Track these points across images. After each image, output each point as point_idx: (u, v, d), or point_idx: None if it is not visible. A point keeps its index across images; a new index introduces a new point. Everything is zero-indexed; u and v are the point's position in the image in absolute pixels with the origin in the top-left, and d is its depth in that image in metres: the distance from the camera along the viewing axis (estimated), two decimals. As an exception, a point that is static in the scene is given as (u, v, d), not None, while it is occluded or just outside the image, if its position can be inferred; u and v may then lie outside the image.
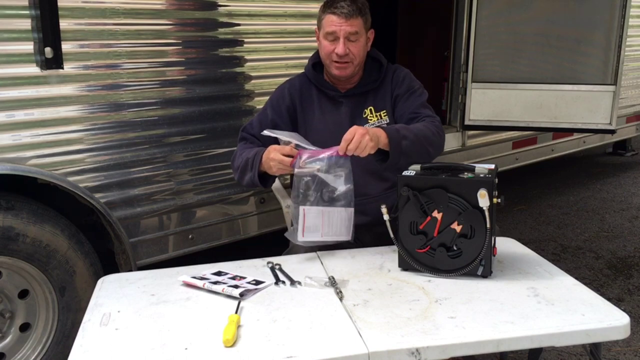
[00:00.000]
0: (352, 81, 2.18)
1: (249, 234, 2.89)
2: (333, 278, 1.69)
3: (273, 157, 1.91)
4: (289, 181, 2.48)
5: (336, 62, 2.08)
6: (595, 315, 1.48)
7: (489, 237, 1.65)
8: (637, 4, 4.61)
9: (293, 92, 2.20)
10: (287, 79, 2.28)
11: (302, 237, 1.83)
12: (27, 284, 2.23)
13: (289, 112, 2.19)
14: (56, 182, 2.21)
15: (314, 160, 1.84)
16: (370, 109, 2.17)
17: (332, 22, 2.04)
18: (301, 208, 1.83)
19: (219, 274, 1.76)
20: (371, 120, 2.17)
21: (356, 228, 2.16)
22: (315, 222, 1.85)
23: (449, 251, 1.70)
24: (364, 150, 1.82)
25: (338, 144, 1.96)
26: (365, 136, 1.82)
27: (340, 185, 1.87)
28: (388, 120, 2.18)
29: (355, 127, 1.86)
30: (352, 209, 1.90)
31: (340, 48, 2.04)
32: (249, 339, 1.39)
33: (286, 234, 1.95)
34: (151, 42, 2.42)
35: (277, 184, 2.52)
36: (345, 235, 1.92)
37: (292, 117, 2.20)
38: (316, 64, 2.21)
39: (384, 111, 2.18)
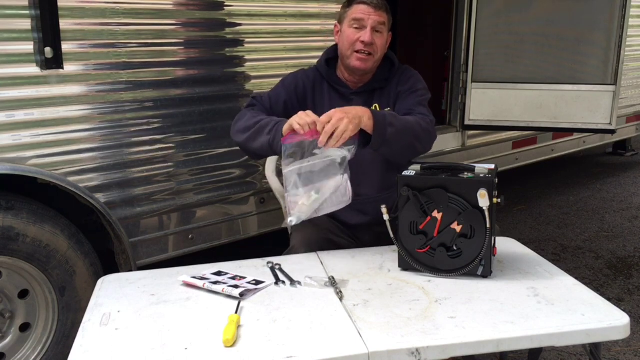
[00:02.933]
0: (364, 79, 2.17)
1: (249, 234, 2.89)
2: (333, 278, 1.69)
3: (307, 116, 1.83)
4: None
5: (358, 52, 2.06)
6: (595, 315, 1.48)
7: (489, 237, 1.65)
8: (637, 4, 4.62)
9: (306, 84, 2.19)
10: (299, 68, 2.27)
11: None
12: (27, 284, 2.23)
13: (299, 100, 2.17)
14: (56, 182, 2.21)
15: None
16: (376, 106, 2.17)
17: (361, 10, 2.05)
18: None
19: (219, 274, 1.76)
20: None
21: (356, 228, 2.17)
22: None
23: (449, 251, 1.70)
24: (342, 135, 1.74)
25: None
26: (342, 120, 1.74)
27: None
28: None
29: (333, 110, 1.78)
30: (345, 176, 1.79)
31: (367, 35, 2.04)
32: (249, 339, 1.39)
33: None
34: (151, 42, 2.42)
35: (276, 184, 2.52)
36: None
37: (302, 106, 2.16)
38: (329, 60, 2.20)
39: (388, 109, 2.17)
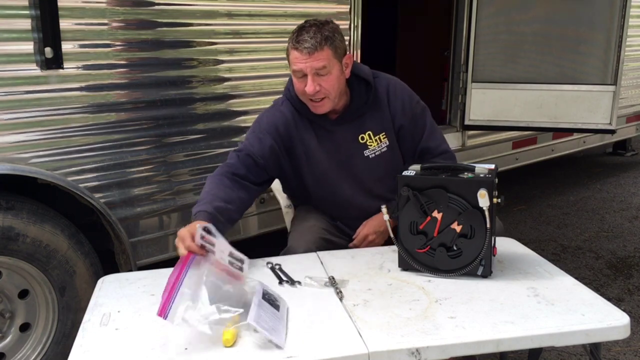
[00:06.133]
0: (338, 108, 2.03)
1: (249, 234, 2.89)
2: (333, 278, 1.69)
3: (181, 236, 1.62)
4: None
5: (311, 100, 1.94)
6: (595, 315, 1.48)
7: (489, 237, 1.65)
8: (637, 4, 4.62)
9: (288, 124, 2.03)
10: (271, 107, 2.11)
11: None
12: (27, 284, 2.23)
13: (284, 142, 2.04)
14: (56, 182, 2.21)
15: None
16: (369, 134, 2.06)
17: (297, 58, 1.88)
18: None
19: None
20: (371, 145, 2.06)
21: None
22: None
23: (449, 251, 1.70)
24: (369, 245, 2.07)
25: (339, 172, 2.02)
26: (374, 242, 2.07)
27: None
28: (388, 143, 2.08)
29: (366, 230, 2.07)
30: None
31: (309, 87, 1.88)
32: (249, 339, 1.39)
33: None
34: (151, 42, 2.42)
35: (277, 184, 2.52)
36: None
37: (288, 148, 2.05)
38: None
39: (383, 133, 2.07)
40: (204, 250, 1.57)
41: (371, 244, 2.07)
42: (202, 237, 1.57)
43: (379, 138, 2.08)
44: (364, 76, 2.05)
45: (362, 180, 2.10)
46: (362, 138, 2.06)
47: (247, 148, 2.01)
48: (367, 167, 2.08)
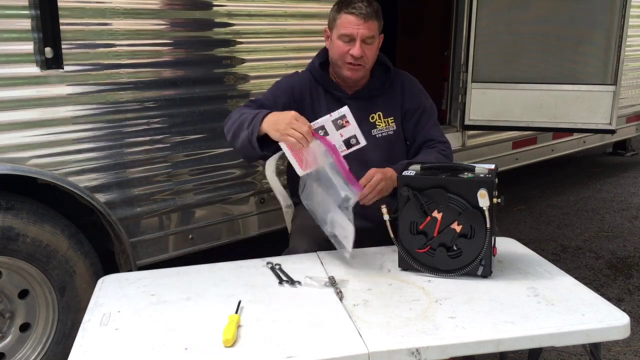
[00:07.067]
0: (359, 84, 2.16)
1: (249, 234, 2.89)
2: (333, 278, 1.69)
3: (296, 121, 1.82)
4: (286, 181, 2.47)
5: (350, 63, 2.05)
6: (595, 315, 1.48)
7: (489, 237, 1.65)
8: (637, 4, 4.61)
9: (303, 88, 2.16)
10: (292, 73, 2.27)
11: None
12: (27, 284, 2.23)
13: (297, 104, 2.14)
14: (56, 182, 2.21)
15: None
16: (379, 115, 2.16)
17: (350, 22, 2.00)
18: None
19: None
20: (379, 125, 2.17)
21: (358, 233, 2.15)
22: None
23: (449, 251, 1.70)
24: (380, 192, 1.94)
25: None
26: (381, 182, 1.94)
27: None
28: (395, 127, 2.18)
29: (372, 170, 1.94)
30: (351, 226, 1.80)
31: (356, 50, 2.00)
32: (249, 339, 1.39)
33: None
34: (151, 42, 2.42)
35: (276, 183, 2.52)
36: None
37: (300, 110, 2.09)
38: (322, 63, 2.19)
39: (392, 118, 2.18)
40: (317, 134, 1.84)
41: (378, 185, 1.97)
42: (343, 118, 1.90)
43: (388, 121, 2.17)
44: (385, 62, 2.19)
45: (366, 159, 2.12)
46: (372, 117, 2.17)
47: (261, 101, 2.14)
48: (372, 146, 2.13)
